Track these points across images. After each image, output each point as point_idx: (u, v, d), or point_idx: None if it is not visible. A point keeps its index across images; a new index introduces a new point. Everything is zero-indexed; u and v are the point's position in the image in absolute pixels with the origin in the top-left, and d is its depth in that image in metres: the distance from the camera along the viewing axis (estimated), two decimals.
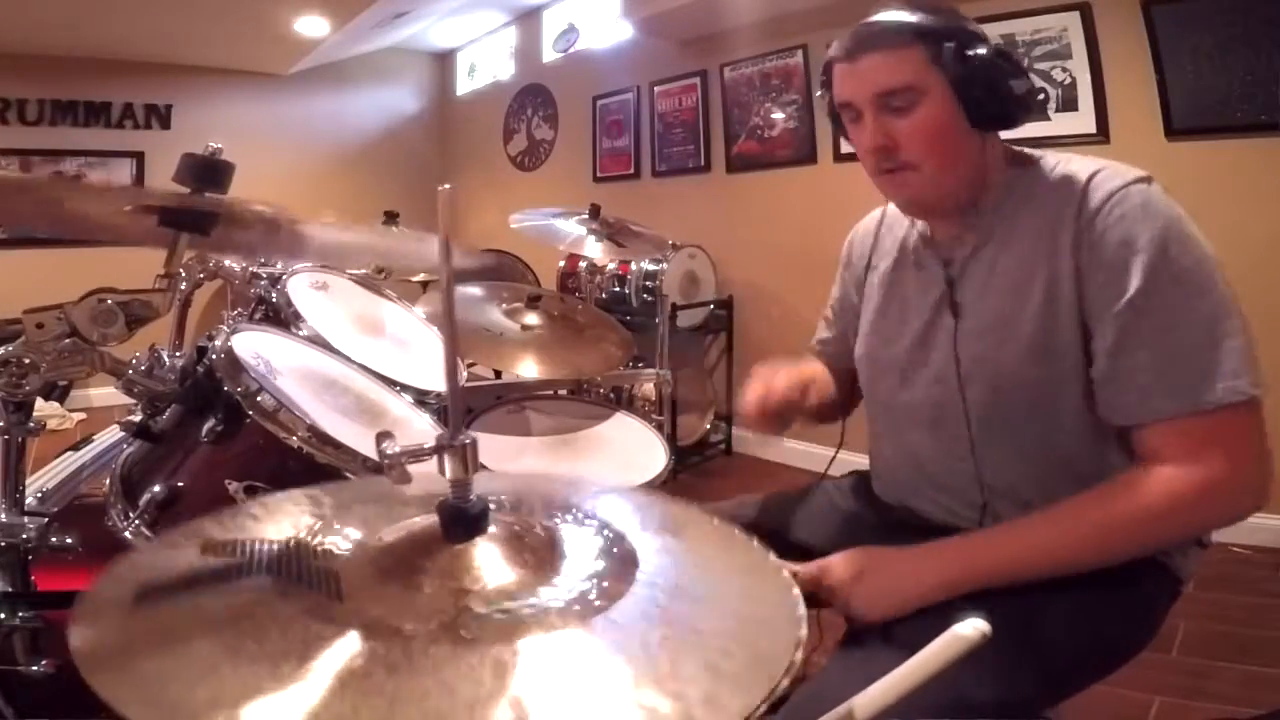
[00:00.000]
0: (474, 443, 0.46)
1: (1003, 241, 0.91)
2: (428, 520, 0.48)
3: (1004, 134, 0.93)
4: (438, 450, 0.46)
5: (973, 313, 0.93)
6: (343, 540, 0.49)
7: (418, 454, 0.47)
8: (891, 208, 1.10)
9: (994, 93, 0.85)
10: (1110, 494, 0.82)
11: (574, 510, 0.55)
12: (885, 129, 0.88)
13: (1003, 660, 0.73)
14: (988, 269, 0.92)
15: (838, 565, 0.87)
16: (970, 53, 0.85)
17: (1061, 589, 0.82)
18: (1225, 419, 0.78)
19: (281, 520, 0.52)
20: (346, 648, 0.38)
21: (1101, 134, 2.60)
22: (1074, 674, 0.85)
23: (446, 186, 0.44)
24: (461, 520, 0.46)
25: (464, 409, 1.46)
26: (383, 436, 0.48)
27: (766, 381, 1.08)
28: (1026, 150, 0.95)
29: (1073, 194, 0.85)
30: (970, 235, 0.94)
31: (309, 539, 0.49)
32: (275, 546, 0.47)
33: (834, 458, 1.16)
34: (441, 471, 0.47)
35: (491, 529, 0.47)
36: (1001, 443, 0.92)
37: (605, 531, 0.52)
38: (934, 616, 0.52)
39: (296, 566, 0.45)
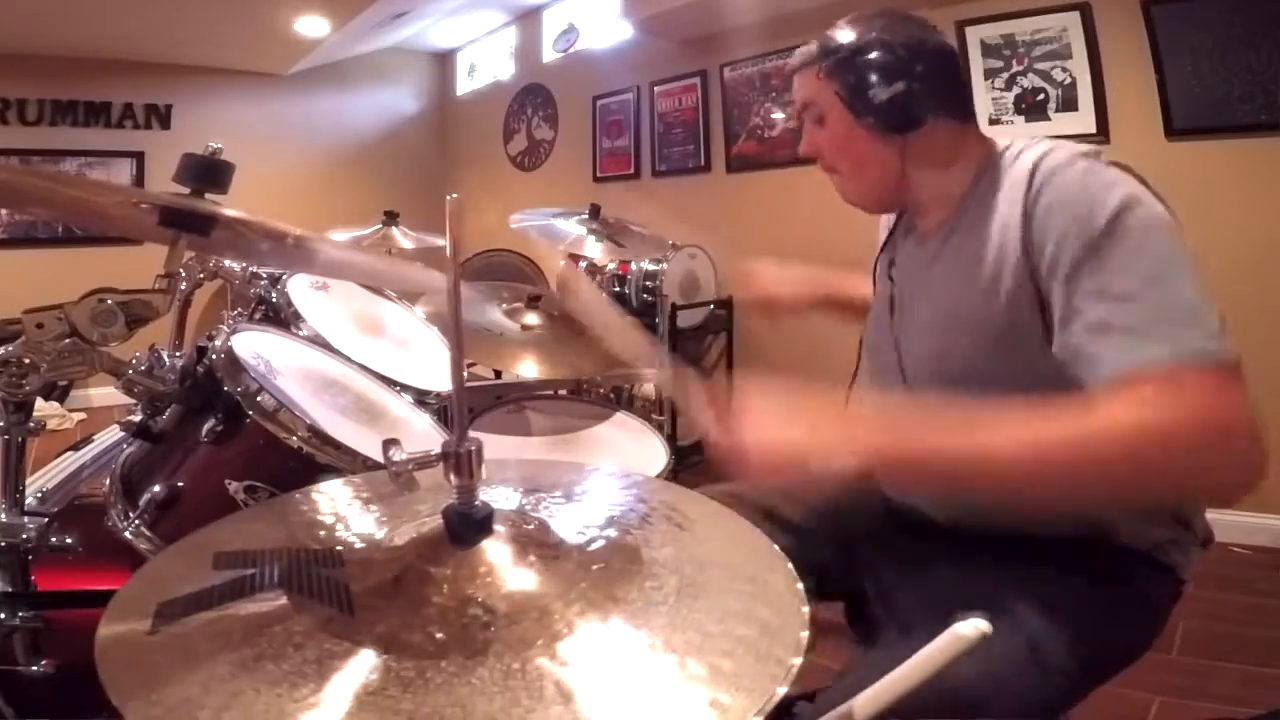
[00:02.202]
0: (480, 449, 0.46)
1: (966, 235, 0.90)
2: (434, 524, 0.48)
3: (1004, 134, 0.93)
4: (444, 457, 0.46)
5: (937, 305, 0.93)
6: (350, 545, 0.48)
7: (424, 461, 0.47)
8: None
9: (874, 100, 0.90)
10: (1065, 409, 0.70)
11: (578, 500, 0.55)
12: (811, 139, 1.00)
13: (1007, 667, 0.73)
14: (954, 259, 0.91)
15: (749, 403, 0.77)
16: (848, 65, 0.91)
17: (1063, 591, 0.81)
18: (1178, 371, 0.69)
19: (291, 523, 0.52)
20: (361, 665, 0.38)
21: (1101, 134, 2.60)
22: (1078, 678, 0.84)
23: (454, 196, 0.44)
24: (467, 525, 0.46)
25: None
26: (389, 444, 0.47)
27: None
28: (995, 140, 0.93)
29: (1023, 179, 0.84)
30: (939, 228, 0.95)
31: (316, 546, 0.48)
32: (285, 558, 0.47)
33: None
34: (447, 478, 0.47)
35: (498, 528, 0.47)
36: None
37: (610, 529, 0.52)
38: (934, 617, 0.52)
39: (306, 578, 0.45)
